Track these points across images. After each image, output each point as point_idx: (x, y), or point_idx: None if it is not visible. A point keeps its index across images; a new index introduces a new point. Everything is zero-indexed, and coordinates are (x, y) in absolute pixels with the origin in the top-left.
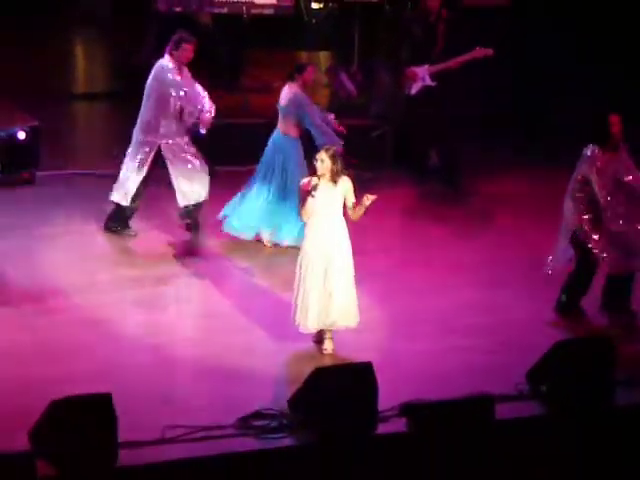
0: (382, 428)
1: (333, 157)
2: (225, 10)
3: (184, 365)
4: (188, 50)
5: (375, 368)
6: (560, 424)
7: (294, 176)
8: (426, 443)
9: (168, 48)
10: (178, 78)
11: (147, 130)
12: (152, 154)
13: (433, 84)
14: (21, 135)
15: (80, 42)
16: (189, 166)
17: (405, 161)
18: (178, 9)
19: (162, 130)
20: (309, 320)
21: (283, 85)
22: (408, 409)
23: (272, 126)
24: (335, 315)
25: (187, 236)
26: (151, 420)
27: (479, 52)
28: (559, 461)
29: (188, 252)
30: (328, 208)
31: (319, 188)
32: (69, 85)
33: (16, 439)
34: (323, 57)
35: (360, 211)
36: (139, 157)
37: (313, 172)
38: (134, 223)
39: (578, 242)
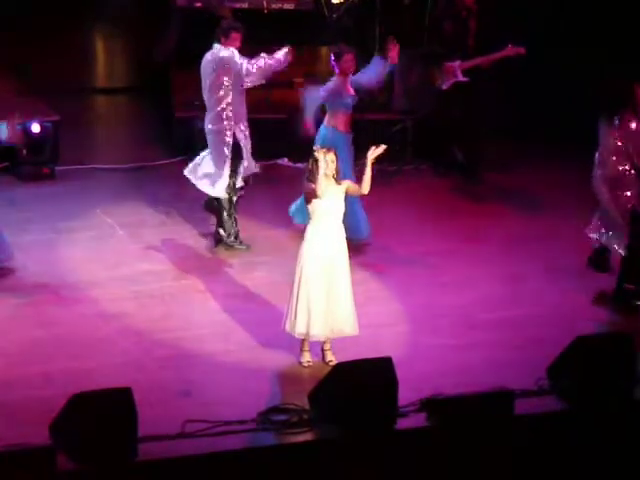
0: (402, 423)
1: (337, 156)
2: (246, 5)
3: (204, 360)
4: (237, 39)
5: (395, 363)
6: (580, 420)
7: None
8: (446, 438)
9: (219, 37)
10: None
11: (225, 118)
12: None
13: (464, 80)
14: (35, 128)
15: (101, 37)
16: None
17: (429, 154)
18: (198, 4)
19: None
20: (316, 328)
21: (304, 80)
22: (428, 404)
23: (293, 121)
24: (339, 323)
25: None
26: (171, 414)
27: (511, 50)
28: (579, 457)
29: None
30: (333, 210)
31: (327, 190)
32: (90, 80)
33: (37, 433)
34: None
35: (368, 176)
36: (226, 145)
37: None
38: (157, 217)
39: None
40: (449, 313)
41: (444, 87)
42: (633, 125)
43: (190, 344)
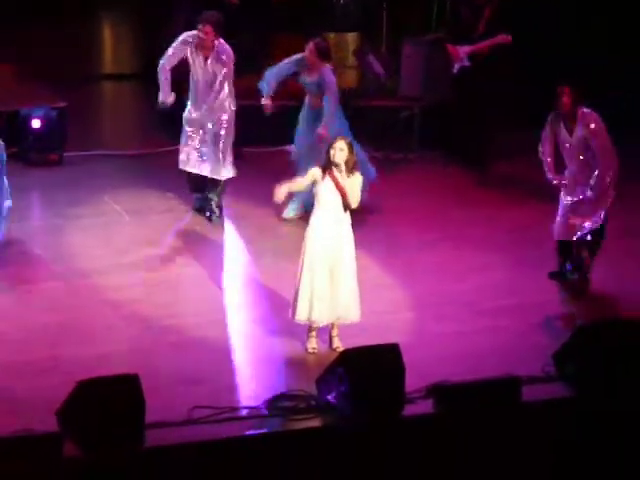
0: (409, 409)
1: (350, 146)
2: None
3: (211, 346)
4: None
5: (402, 349)
6: (586, 406)
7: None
8: (453, 424)
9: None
10: None
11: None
12: None
13: (468, 65)
14: (36, 123)
15: (108, 24)
16: None
17: (436, 142)
18: None
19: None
20: (317, 314)
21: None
22: (435, 390)
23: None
24: (342, 309)
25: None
26: (178, 401)
27: (499, 39)
28: (584, 443)
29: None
30: (338, 200)
31: (329, 180)
32: (96, 66)
33: (44, 420)
34: (351, 39)
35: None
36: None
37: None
38: (165, 203)
39: None
40: (455, 300)
41: (454, 71)
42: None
43: (197, 331)
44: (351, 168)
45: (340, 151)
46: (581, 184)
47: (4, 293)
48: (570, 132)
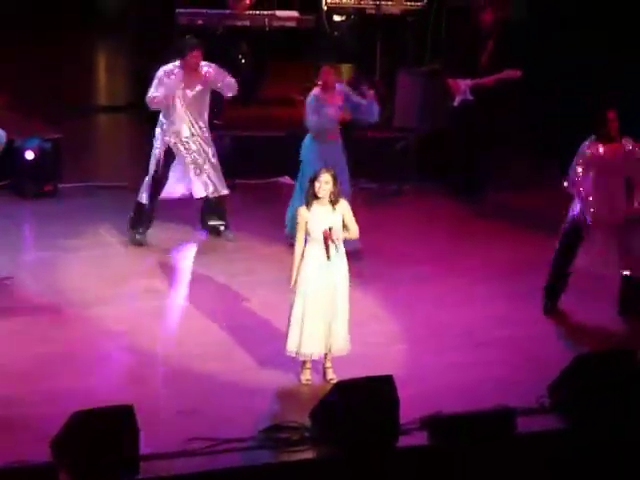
0: (403, 441)
1: (335, 178)
2: (247, 23)
3: (206, 378)
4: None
5: (397, 380)
6: (581, 438)
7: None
8: (447, 456)
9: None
10: None
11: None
12: None
13: (471, 99)
14: (29, 155)
15: (104, 55)
16: None
17: (432, 173)
18: (200, 22)
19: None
20: (307, 347)
21: (304, 98)
22: (429, 422)
23: (294, 138)
24: (334, 342)
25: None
26: (172, 432)
27: (507, 74)
28: (579, 475)
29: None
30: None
31: (319, 213)
32: (92, 97)
33: (38, 450)
34: (345, 69)
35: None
36: None
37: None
38: (160, 235)
39: None
40: (450, 331)
41: (455, 104)
42: (601, 150)
43: (192, 362)
44: (335, 199)
45: (325, 184)
46: None
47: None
48: None
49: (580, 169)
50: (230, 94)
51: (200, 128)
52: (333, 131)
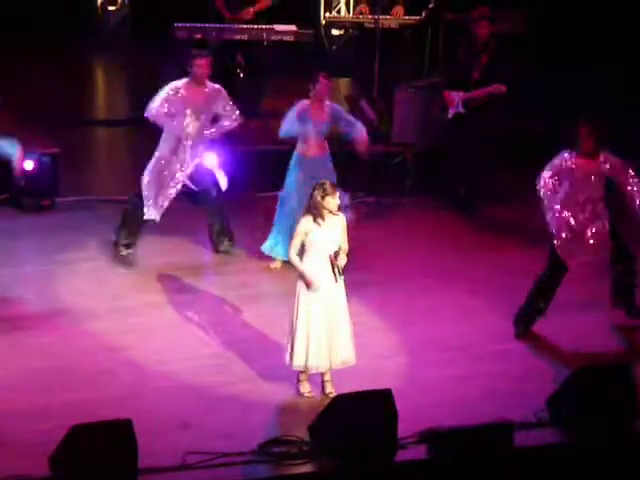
0: (402, 455)
1: (335, 189)
2: (245, 37)
3: (204, 391)
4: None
5: (395, 394)
6: (579, 452)
7: None
8: (446, 470)
9: None
10: None
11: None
12: None
13: (463, 111)
14: (28, 165)
15: (102, 69)
16: None
17: (429, 187)
18: (198, 36)
19: None
20: (314, 360)
21: None
22: (427, 436)
23: (291, 152)
24: (339, 354)
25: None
26: (171, 446)
27: (493, 88)
28: None
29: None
30: (331, 247)
31: (322, 227)
32: (89, 111)
33: (36, 465)
34: (343, 84)
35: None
36: None
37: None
38: (158, 249)
39: None
40: (448, 344)
41: (449, 116)
42: (575, 162)
43: (190, 376)
44: (337, 214)
45: (337, 199)
46: None
47: None
48: None
49: (548, 173)
50: (227, 124)
51: (196, 145)
52: (317, 146)
